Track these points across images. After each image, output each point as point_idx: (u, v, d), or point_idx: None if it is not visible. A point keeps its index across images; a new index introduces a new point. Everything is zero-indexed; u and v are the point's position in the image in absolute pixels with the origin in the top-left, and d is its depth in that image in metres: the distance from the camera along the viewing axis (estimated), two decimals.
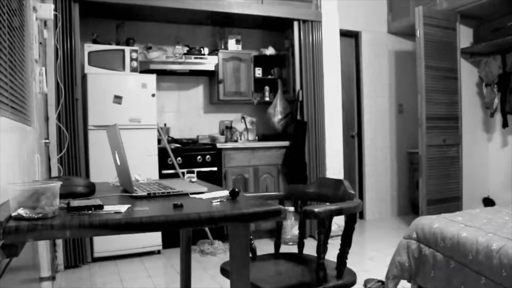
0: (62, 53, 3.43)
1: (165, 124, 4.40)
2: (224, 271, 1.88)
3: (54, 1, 3.33)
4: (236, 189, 1.46)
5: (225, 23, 4.58)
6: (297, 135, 4.32)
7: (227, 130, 4.54)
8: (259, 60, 4.68)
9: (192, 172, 2.19)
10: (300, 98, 4.36)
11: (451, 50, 4.57)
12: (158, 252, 3.86)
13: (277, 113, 4.52)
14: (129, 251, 3.71)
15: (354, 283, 1.72)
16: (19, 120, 1.67)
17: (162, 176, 3.86)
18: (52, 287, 2.81)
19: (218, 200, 1.41)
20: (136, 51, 3.88)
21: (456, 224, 2.28)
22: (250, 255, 1.89)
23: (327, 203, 1.93)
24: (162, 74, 4.27)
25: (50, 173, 3.24)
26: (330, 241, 1.82)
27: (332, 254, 1.84)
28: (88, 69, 3.70)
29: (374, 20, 5.28)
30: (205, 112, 4.72)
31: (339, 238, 1.80)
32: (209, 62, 4.32)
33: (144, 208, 1.28)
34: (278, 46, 4.77)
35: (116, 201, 1.44)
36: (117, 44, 4.01)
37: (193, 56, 4.25)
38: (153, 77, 3.85)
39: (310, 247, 2.45)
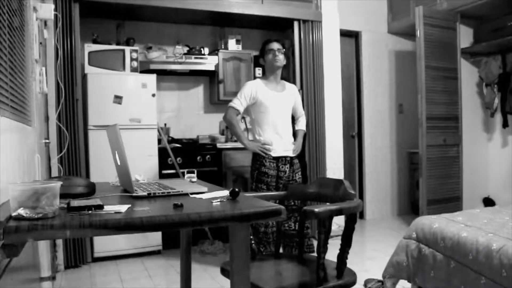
0: (62, 53, 3.43)
1: (165, 124, 4.40)
2: (224, 271, 1.87)
3: (54, 1, 3.33)
4: (236, 189, 1.45)
5: (225, 23, 4.58)
6: None
7: (227, 130, 4.53)
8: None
9: (192, 172, 2.19)
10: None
11: (451, 50, 4.56)
12: (158, 252, 3.86)
13: None
14: (129, 251, 3.71)
15: (354, 283, 1.72)
16: (19, 120, 1.67)
17: (162, 176, 3.86)
18: (52, 287, 2.81)
19: (218, 200, 1.41)
20: (136, 51, 3.88)
21: (456, 224, 2.28)
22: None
23: (327, 203, 1.93)
24: (162, 74, 4.26)
25: (50, 173, 3.24)
26: (330, 241, 1.82)
27: (332, 254, 1.84)
28: (88, 69, 3.70)
29: (374, 20, 5.27)
30: (205, 112, 4.72)
31: (339, 238, 1.80)
32: (209, 62, 4.32)
33: (144, 208, 1.28)
34: None
35: (116, 201, 1.44)
36: (117, 44, 4.01)
37: (193, 56, 4.25)
38: (153, 77, 3.85)
39: None
